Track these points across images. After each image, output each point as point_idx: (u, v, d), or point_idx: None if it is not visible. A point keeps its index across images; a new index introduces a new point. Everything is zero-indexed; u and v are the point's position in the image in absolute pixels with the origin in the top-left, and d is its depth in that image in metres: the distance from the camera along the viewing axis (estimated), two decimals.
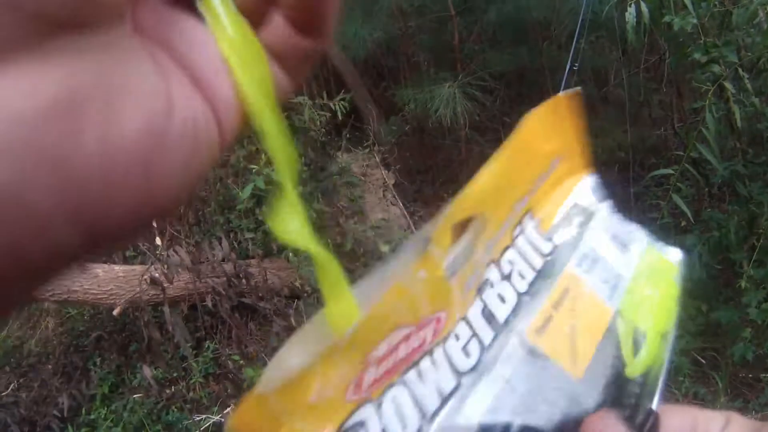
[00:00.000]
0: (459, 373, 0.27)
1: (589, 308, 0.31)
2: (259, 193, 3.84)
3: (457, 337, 0.28)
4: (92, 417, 3.36)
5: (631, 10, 2.47)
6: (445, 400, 0.26)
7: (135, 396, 3.40)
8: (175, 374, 3.48)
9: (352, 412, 0.25)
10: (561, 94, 0.33)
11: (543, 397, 0.27)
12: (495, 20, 4.80)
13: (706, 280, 2.70)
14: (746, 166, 2.71)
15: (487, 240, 0.30)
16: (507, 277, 0.30)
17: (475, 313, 0.29)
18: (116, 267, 3.58)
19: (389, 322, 0.26)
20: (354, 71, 5.32)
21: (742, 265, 2.59)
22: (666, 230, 2.75)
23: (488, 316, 0.29)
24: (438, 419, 0.26)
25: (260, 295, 3.44)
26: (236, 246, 3.93)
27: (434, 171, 5.21)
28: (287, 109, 4.28)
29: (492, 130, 5.03)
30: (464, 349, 0.28)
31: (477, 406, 0.26)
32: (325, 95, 4.52)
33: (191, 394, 3.36)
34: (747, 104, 2.64)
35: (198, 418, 3.11)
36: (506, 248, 0.31)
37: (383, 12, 5.03)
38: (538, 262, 0.31)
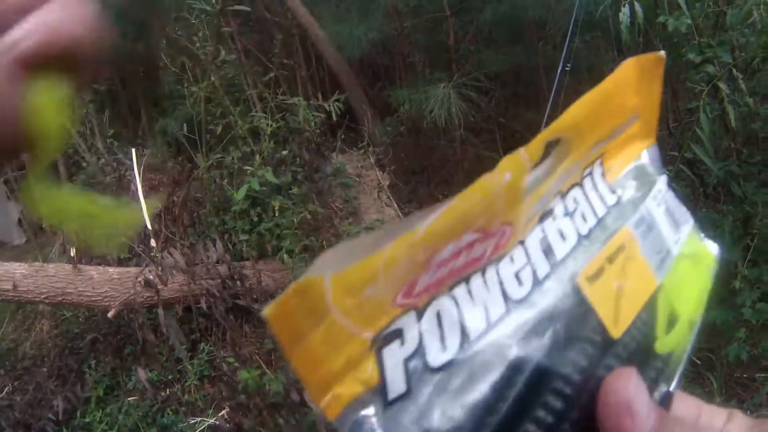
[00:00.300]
0: (509, 301, 0.27)
1: (639, 273, 0.31)
2: (254, 195, 3.84)
3: (512, 260, 0.28)
4: (87, 420, 3.36)
5: (625, 10, 2.48)
6: (490, 327, 0.26)
7: (130, 399, 3.39)
8: (170, 377, 3.47)
9: (395, 319, 0.25)
10: (657, 53, 0.34)
11: (577, 346, 0.27)
12: (490, 20, 4.81)
13: None
14: (741, 166, 2.72)
15: (566, 169, 0.30)
16: (570, 214, 0.30)
17: (533, 239, 0.29)
18: (111, 269, 3.57)
19: (464, 222, 0.26)
20: (349, 71, 5.32)
21: (737, 266, 2.59)
22: None
23: (546, 248, 0.29)
24: (478, 346, 0.25)
25: (255, 296, 3.44)
26: (231, 248, 3.92)
27: (429, 172, 5.20)
28: (282, 110, 4.29)
29: (487, 130, 5.03)
30: (517, 275, 0.27)
31: (517, 339, 0.26)
32: (320, 96, 4.52)
33: (186, 396, 3.35)
34: (741, 104, 2.64)
35: (193, 421, 3.11)
36: (574, 185, 0.31)
37: (379, 12, 5.03)
38: (601, 210, 0.31)
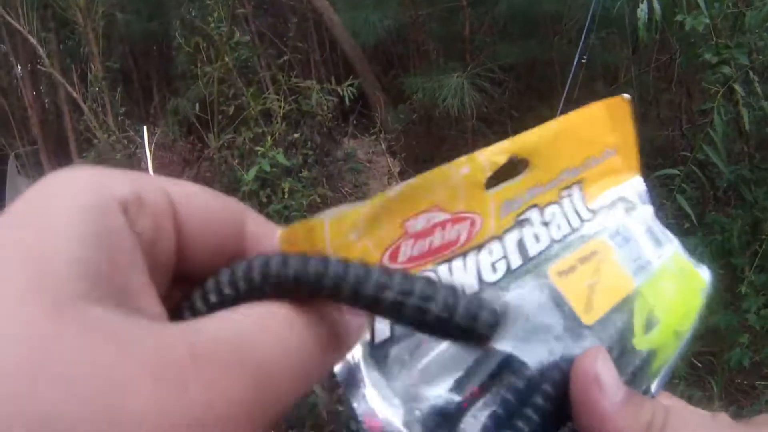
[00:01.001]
0: (483, 282, 0.29)
1: (613, 274, 0.32)
2: (264, 176, 3.84)
3: (490, 252, 0.30)
4: None
5: (642, 7, 2.45)
6: None
7: None
8: None
9: None
10: (625, 96, 0.37)
11: (550, 331, 0.28)
12: (506, 12, 4.78)
13: None
14: (753, 170, 2.70)
15: (533, 184, 0.32)
16: (546, 224, 0.32)
17: (511, 239, 0.31)
18: None
19: (429, 197, 0.28)
20: (363, 57, 5.30)
21: (744, 271, 2.58)
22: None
23: (521, 246, 0.31)
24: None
25: None
26: None
27: (439, 161, 5.12)
28: (295, 93, 4.28)
29: (499, 122, 5.01)
30: (493, 265, 0.30)
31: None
32: (333, 80, 4.51)
33: None
34: (756, 108, 2.63)
35: None
36: (551, 203, 0.33)
37: (394, 0, 5.01)
38: (576, 223, 0.33)
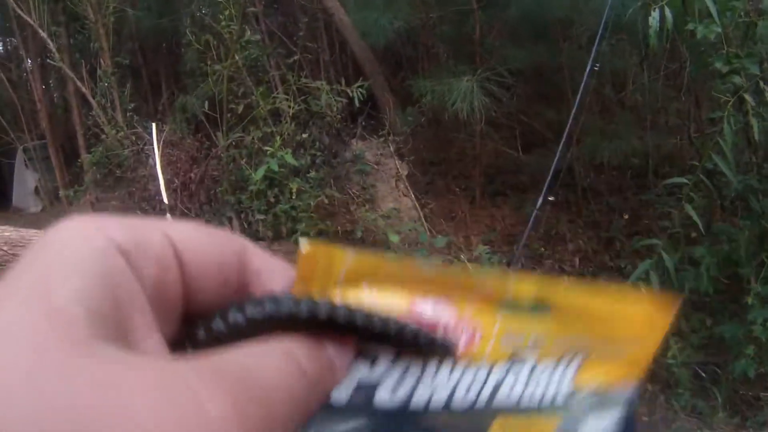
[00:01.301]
0: (451, 400, 0.28)
1: None
2: (272, 176, 3.85)
3: (474, 375, 0.29)
4: None
5: (654, 15, 2.45)
6: (427, 410, 0.27)
7: None
8: None
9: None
10: (670, 300, 0.33)
11: None
12: (517, 15, 4.78)
13: (712, 293, 2.68)
14: (761, 180, 2.69)
15: (542, 330, 0.31)
16: (530, 378, 0.31)
17: (497, 374, 0.30)
18: None
19: (444, 286, 0.28)
20: (373, 59, 5.31)
21: (750, 281, 2.57)
22: (676, 240, 2.73)
23: (495, 387, 0.30)
24: (411, 412, 0.27)
25: None
26: (246, 227, 3.94)
27: (447, 164, 5.19)
28: (304, 93, 4.29)
29: (507, 127, 5.00)
30: (468, 388, 0.29)
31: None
32: (342, 81, 4.52)
33: None
34: (766, 118, 2.61)
35: None
36: (551, 360, 0.32)
37: (405, 1, 5.01)
38: (551, 393, 0.32)
